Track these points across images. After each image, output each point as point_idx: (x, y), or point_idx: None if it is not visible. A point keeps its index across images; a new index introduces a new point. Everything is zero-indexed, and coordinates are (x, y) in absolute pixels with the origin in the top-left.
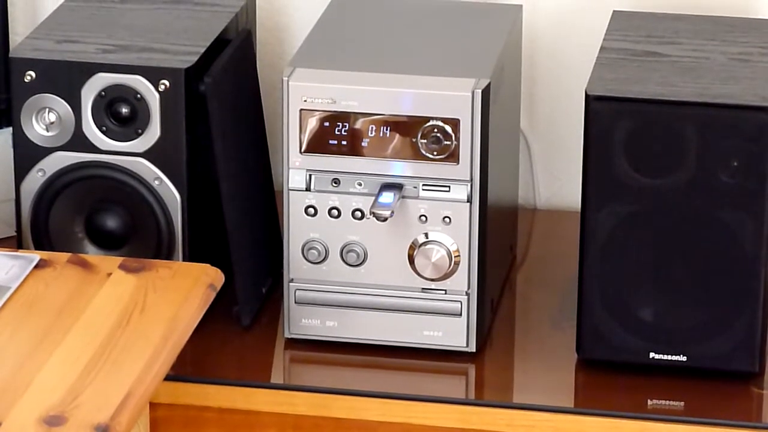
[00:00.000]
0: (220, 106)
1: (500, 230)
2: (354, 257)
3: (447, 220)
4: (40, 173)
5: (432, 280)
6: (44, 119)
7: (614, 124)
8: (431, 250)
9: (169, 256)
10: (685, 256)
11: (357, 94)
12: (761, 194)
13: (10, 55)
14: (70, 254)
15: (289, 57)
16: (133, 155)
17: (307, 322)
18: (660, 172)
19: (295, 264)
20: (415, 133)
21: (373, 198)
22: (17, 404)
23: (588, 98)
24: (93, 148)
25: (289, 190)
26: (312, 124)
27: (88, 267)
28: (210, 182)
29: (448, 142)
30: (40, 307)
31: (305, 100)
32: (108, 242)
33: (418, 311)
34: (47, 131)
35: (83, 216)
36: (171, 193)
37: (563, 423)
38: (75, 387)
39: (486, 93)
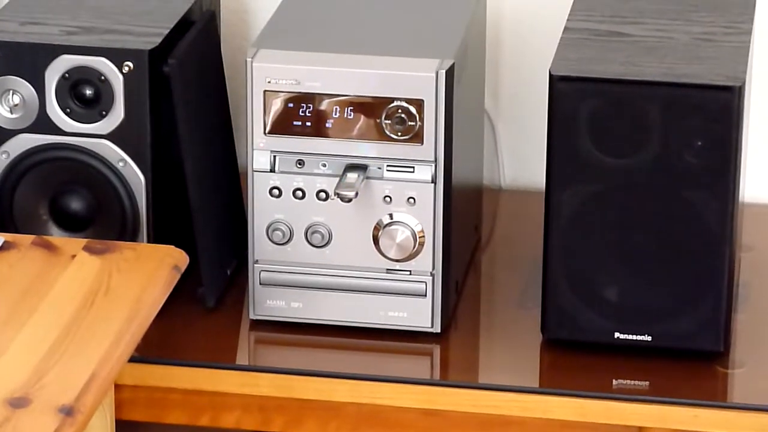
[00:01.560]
0: (184, 88)
1: (465, 211)
2: (319, 238)
3: (411, 200)
4: (4, 155)
5: (397, 260)
6: (8, 101)
7: (578, 104)
8: (396, 231)
9: (133, 237)
10: (649, 236)
11: (321, 75)
12: (725, 174)
13: None
14: (34, 236)
15: (254, 38)
16: (97, 137)
17: (272, 304)
18: (624, 152)
19: (259, 245)
20: (379, 114)
21: (338, 179)
22: None
23: (552, 78)
24: (57, 130)
25: (253, 171)
26: (276, 105)
27: (53, 249)
28: (174, 164)
29: (412, 123)
30: (4, 289)
31: (269, 81)
32: (72, 224)
33: (382, 292)
34: (11, 113)
35: (47, 198)
36: (135, 175)
37: (528, 403)
38: (39, 368)
39: (450, 73)
